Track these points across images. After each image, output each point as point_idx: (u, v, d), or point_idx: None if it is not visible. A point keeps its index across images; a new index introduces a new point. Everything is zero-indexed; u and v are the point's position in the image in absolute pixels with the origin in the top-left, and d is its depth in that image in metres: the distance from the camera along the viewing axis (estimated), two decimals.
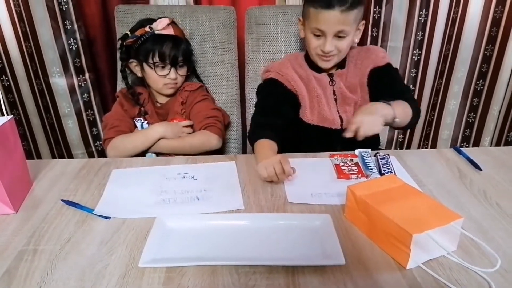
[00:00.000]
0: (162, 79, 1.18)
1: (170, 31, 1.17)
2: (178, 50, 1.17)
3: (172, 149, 1.15)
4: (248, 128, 1.34)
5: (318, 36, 1.07)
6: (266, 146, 0.98)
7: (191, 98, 1.24)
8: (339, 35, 1.06)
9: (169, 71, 1.18)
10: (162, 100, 1.27)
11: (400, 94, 1.09)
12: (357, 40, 1.13)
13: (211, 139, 1.16)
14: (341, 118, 1.14)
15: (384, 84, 1.12)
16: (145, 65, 1.18)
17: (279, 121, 1.07)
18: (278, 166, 0.84)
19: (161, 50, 1.15)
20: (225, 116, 1.29)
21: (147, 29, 1.16)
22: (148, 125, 1.19)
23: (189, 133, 1.20)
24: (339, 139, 1.11)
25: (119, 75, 1.35)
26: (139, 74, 1.23)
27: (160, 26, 1.16)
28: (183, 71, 1.22)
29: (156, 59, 1.16)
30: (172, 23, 1.20)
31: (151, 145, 1.15)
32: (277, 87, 1.14)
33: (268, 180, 0.85)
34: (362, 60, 1.15)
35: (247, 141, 1.35)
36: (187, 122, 1.20)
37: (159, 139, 1.14)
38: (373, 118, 0.95)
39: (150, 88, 1.26)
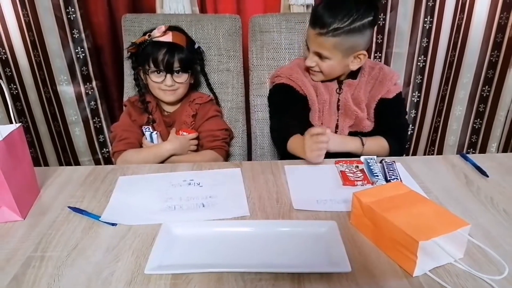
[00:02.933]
0: (158, 85, 1.19)
1: (167, 38, 1.18)
2: (172, 57, 1.16)
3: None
4: (253, 134, 1.36)
5: (308, 50, 1.11)
6: (299, 141, 1.00)
7: (202, 111, 1.25)
8: (320, 55, 1.08)
9: (165, 78, 1.18)
10: (169, 109, 1.28)
11: (394, 129, 1.13)
12: (352, 67, 1.11)
13: (218, 161, 1.20)
14: (337, 126, 1.15)
15: (386, 116, 1.14)
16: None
17: (297, 122, 1.10)
18: (316, 141, 0.91)
19: (154, 56, 1.15)
20: (231, 134, 1.32)
21: (146, 37, 1.19)
22: (156, 134, 1.20)
23: (195, 145, 1.21)
24: None
25: (125, 83, 1.36)
26: (146, 81, 1.24)
27: (157, 33, 1.18)
28: (181, 78, 1.20)
29: (151, 65, 1.17)
30: (175, 30, 1.21)
31: (163, 161, 1.15)
32: (289, 92, 1.17)
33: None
34: (375, 81, 1.15)
35: (253, 149, 1.37)
36: (194, 135, 1.20)
37: (169, 156, 1.15)
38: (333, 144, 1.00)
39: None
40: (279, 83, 1.19)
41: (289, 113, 1.14)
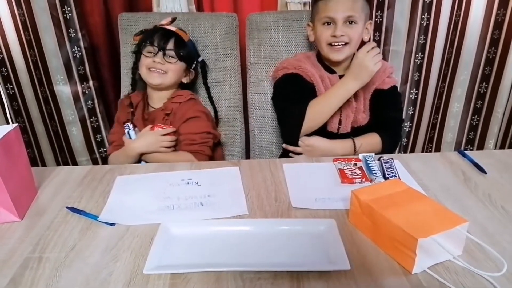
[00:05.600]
0: (148, 62, 1.18)
1: (171, 28, 1.22)
2: (169, 38, 1.18)
3: (155, 161, 1.14)
4: (251, 132, 1.36)
5: (328, 25, 1.12)
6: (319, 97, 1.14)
7: (180, 112, 1.20)
8: (349, 21, 1.10)
9: (156, 54, 1.18)
10: (155, 104, 1.25)
11: (388, 123, 1.16)
12: (366, 38, 1.17)
13: None
14: (340, 121, 1.15)
15: (382, 108, 1.16)
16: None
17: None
18: (374, 54, 1.05)
19: (153, 35, 1.18)
20: (216, 135, 1.25)
21: (152, 27, 1.24)
22: (134, 131, 1.19)
23: (173, 141, 1.17)
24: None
25: (122, 82, 1.36)
26: (138, 65, 1.24)
27: (164, 22, 1.23)
28: (173, 60, 1.19)
29: (147, 42, 1.19)
30: (179, 29, 1.24)
31: (136, 160, 1.16)
32: (299, 81, 1.17)
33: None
34: None
35: (251, 147, 1.37)
36: (167, 130, 1.17)
37: (140, 154, 1.14)
38: (321, 152, 1.09)
39: (146, 90, 1.27)
40: (288, 73, 1.19)
41: (302, 100, 1.13)
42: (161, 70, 1.18)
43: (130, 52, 1.32)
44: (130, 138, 1.18)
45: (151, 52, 1.19)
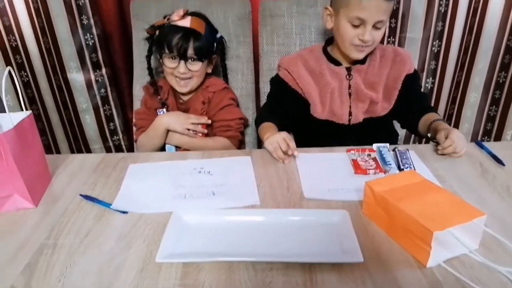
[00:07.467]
0: (172, 71, 1.17)
1: (185, 23, 1.15)
2: (187, 43, 1.13)
3: (191, 146, 1.18)
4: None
5: (356, 26, 1.05)
6: (269, 125, 1.06)
7: (216, 99, 1.22)
8: (377, 25, 1.04)
9: (178, 64, 1.15)
10: (184, 97, 1.26)
11: (425, 102, 1.17)
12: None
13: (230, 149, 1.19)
14: (351, 113, 1.14)
15: (414, 91, 1.15)
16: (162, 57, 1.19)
17: (281, 119, 1.11)
18: (283, 143, 0.91)
19: (169, 40, 1.13)
20: (246, 122, 1.30)
21: (165, 20, 1.17)
22: None
23: (197, 126, 1.20)
24: (347, 133, 1.14)
25: (135, 70, 1.36)
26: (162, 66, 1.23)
27: (176, 17, 1.16)
28: (195, 66, 1.17)
29: (165, 50, 1.15)
30: (194, 15, 1.19)
31: (163, 137, 1.17)
32: (282, 87, 1.17)
33: (275, 156, 0.93)
34: (392, 62, 1.14)
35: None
36: (199, 119, 1.19)
37: (166, 130, 1.17)
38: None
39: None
40: (276, 75, 1.20)
41: (277, 106, 1.17)
42: (187, 78, 1.18)
43: (142, 38, 1.29)
44: None
45: (171, 58, 1.16)
